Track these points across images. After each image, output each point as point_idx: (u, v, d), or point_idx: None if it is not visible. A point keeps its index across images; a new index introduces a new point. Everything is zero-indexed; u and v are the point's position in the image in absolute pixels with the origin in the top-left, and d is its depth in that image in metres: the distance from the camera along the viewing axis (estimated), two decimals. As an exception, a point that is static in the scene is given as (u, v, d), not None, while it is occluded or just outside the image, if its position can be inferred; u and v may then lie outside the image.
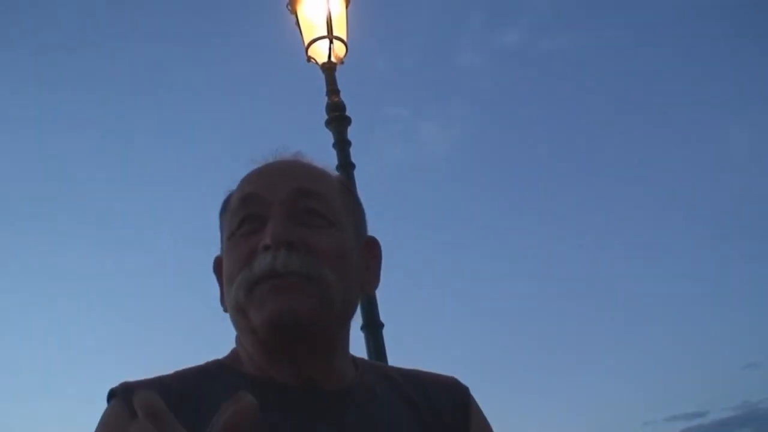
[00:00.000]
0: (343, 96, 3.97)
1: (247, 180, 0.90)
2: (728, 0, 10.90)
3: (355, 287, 0.87)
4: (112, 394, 0.80)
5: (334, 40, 4.04)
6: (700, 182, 11.34)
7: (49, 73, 9.04)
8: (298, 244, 0.80)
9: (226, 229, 0.88)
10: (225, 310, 0.87)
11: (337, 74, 4.04)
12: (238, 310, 0.81)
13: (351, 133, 3.87)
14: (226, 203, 0.91)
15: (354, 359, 0.92)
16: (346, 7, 4.18)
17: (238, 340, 0.88)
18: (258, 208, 0.84)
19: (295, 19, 4.19)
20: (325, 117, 3.90)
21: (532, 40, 11.36)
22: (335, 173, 0.96)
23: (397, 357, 3.43)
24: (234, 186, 0.91)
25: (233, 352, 0.88)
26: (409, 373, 0.94)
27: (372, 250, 0.94)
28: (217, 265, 0.91)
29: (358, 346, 0.92)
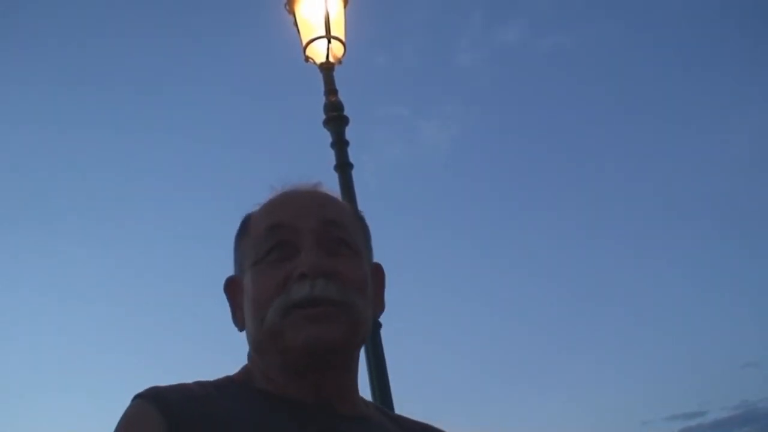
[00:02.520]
0: (342, 95, 3.97)
1: (274, 208, 0.92)
2: (728, 0, 10.91)
3: (372, 312, 0.92)
4: (138, 398, 0.81)
5: (332, 40, 4.05)
6: (698, 182, 11.36)
7: (52, 70, 9.05)
8: (333, 273, 0.85)
9: (249, 255, 0.90)
10: (240, 329, 0.91)
11: (336, 73, 4.05)
12: (273, 332, 0.84)
13: (349, 132, 3.88)
14: (245, 227, 0.94)
15: (364, 400, 0.95)
16: (344, 7, 4.19)
17: (250, 357, 0.90)
18: (288, 236, 0.87)
19: (293, 19, 4.19)
20: (323, 117, 3.90)
21: (531, 38, 11.38)
22: (347, 203, 1.02)
23: (395, 357, 3.43)
24: (248, 209, 0.95)
25: (245, 369, 0.90)
26: (420, 428, 0.96)
27: (377, 276, 0.97)
28: (229, 285, 0.94)
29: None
